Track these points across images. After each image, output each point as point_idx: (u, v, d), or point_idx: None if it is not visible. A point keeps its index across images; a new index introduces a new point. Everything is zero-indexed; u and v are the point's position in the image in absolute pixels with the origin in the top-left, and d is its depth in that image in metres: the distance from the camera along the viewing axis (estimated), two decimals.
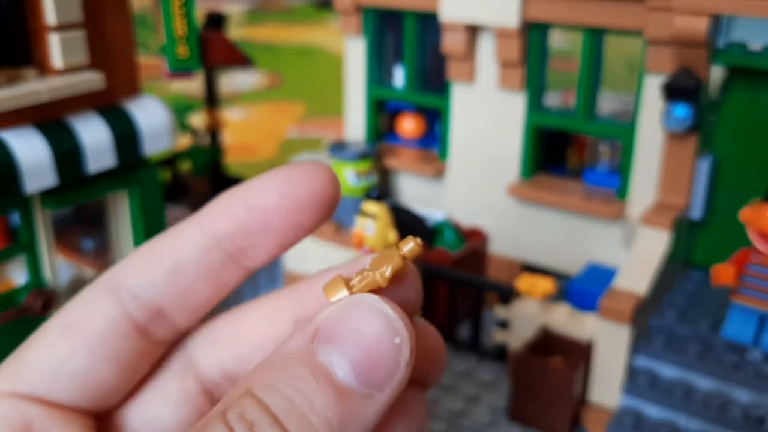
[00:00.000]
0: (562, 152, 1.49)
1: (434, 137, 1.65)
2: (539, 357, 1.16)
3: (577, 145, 1.48)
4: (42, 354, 0.27)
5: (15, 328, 0.95)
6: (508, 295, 1.25)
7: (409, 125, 1.65)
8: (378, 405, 0.23)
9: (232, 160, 2.19)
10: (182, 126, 1.77)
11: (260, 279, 1.57)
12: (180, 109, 1.78)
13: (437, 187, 1.58)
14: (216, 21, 1.63)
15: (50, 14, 0.89)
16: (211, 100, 1.76)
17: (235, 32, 3.42)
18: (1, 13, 0.88)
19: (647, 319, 1.14)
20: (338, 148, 1.51)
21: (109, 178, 1.00)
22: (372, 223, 1.17)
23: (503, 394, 1.24)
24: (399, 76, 1.61)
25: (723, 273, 1.05)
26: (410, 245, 0.25)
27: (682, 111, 1.15)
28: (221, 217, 0.28)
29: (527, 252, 1.47)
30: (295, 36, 4.10)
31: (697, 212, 1.24)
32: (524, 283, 1.25)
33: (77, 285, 1.05)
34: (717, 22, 1.12)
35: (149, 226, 1.07)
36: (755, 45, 1.11)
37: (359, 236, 1.19)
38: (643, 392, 1.08)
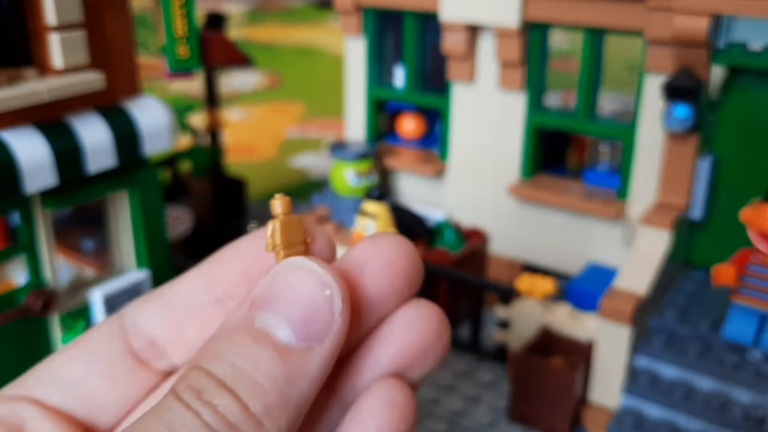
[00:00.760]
0: (562, 152, 1.49)
1: (434, 137, 1.65)
2: (539, 357, 1.16)
3: (577, 145, 1.48)
4: (47, 364, 0.30)
5: (15, 328, 0.95)
6: (508, 295, 1.25)
7: (409, 125, 1.65)
8: (320, 357, 0.24)
9: (232, 161, 2.19)
10: (182, 126, 1.77)
11: None
12: (180, 109, 1.78)
13: (437, 187, 1.58)
14: (216, 21, 1.63)
15: (50, 14, 0.88)
16: (211, 100, 1.76)
17: (235, 32, 3.42)
18: (1, 13, 0.88)
19: (647, 319, 1.14)
20: (338, 148, 1.51)
21: (109, 178, 1.00)
22: (372, 223, 1.17)
23: (503, 394, 1.24)
24: (399, 76, 1.61)
25: (723, 273, 1.05)
26: (276, 202, 0.27)
27: (682, 111, 1.15)
28: (225, 278, 0.29)
29: (527, 252, 1.47)
30: (295, 36, 4.10)
31: (697, 212, 1.24)
32: (524, 283, 1.25)
33: (77, 285, 1.05)
34: (717, 22, 1.12)
35: (149, 227, 1.07)
36: (755, 45, 1.11)
37: (359, 236, 1.19)
38: (643, 392, 1.08)
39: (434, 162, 1.56)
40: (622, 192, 1.33)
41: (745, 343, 1.07)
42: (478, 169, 1.50)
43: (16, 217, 0.93)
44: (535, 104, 1.40)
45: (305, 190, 2.08)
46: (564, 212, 1.40)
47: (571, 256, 1.41)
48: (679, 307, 1.16)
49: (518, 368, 1.16)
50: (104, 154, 0.96)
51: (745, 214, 1.02)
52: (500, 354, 1.30)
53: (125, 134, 0.99)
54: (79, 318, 1.01)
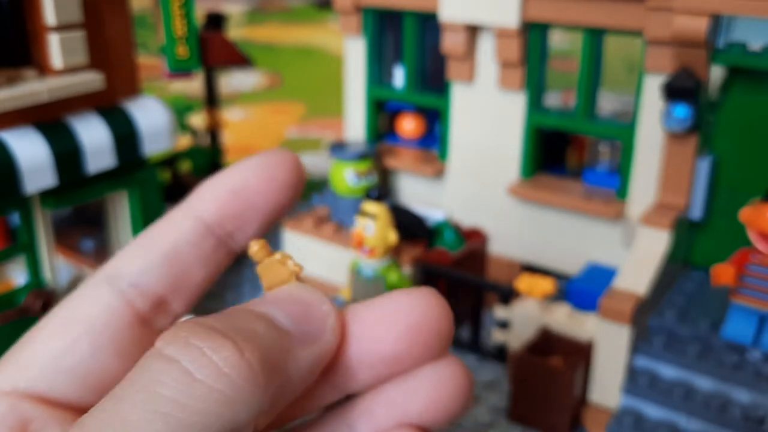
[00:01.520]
0: (562, 152, 1.49)
1: (434, 137, 1.65)
2: (539, 357, 1.16)
3: (577, 145, 1.48)
4: (42, 348, 0.27)
5: (15, 329, 0.95)
6: (508, 295, 1.25)
7: (409, 125, 1.65)
8: (311, 355, 0.25)
9: (232, 161, 2.18)
10: (182, 126, 1.77)
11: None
12: (180, 110, 1.78)
13: (437, 187, 1.58)
14: (216, 21, 1.63)
15: (50, 14, 0.89)
16: (211, 100, 1.76)
17: (235, 32, 3.42)
18: (1, 13, 0.88)
19: (647, 319, 1.14)
20: (338, 148, 1.51)
21: (108, 179, 1.00)
22: (372, 223, 1.17)
23: (503, 394, 1.24)
24: (399, 77, 1.61)
25: (723, 273, 1.05)
26: (253, 249, 0.28)
27: (682, 111, 1.15)
28: (209, 203, 0.29)
29: (527, 252, 1.47)
30: (295, 36, 4.10)
31: (697, 212, 1.24)
32: (524, 283, 1.25)
33: (77, 285, 1.05)
34: (717, 22, 1.12)
35: (149, 227, 1.07)
36: (755, 45, 1.11)
37: (359, 236, 1.19)
38: (643, 392, 1.08)
39: (434, 162, 1.56)
40: (621, 192, 1.33)
41: (744, 343, 1.07)
42: (478, 169, 1.50)
43: (15, 218, 0.93)
44: (535, 104, 1.40)
45: (305, 190, 2.08)
46: (564, 212, 1.40)
47: (571, 256, 1.41)
48: (678, 307, 1.16)
49: (518, 368, 1.16)
50: (104, 154, 0.96)
51: (745, 214, 1.02)
52: (500, 354, 1.30)
53: (125, 134, 0.99)
54: None
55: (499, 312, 1.26)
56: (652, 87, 1.23)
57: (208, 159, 1.78)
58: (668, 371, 1.09)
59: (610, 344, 1.12)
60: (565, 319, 1.20)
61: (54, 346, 0.27)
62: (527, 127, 1.41)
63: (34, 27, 0.90)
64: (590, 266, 1.37)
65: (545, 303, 1.24)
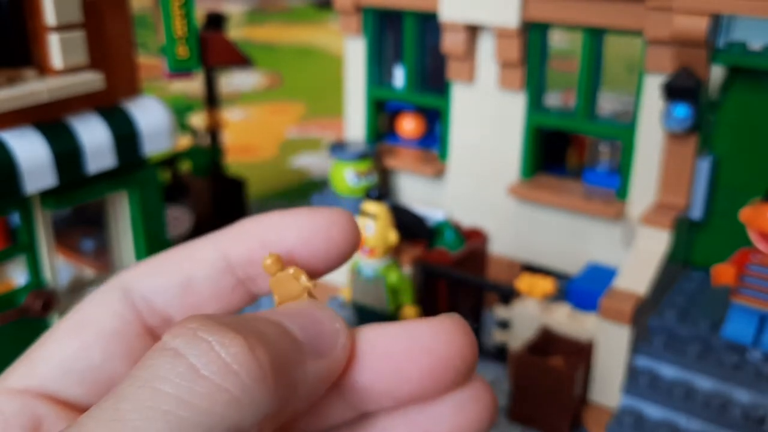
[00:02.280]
0: (562, 152, 1.49)
1: (434, 137, 1.65)
2: (539, 357, 1.16)
3: (577, 145, 1.48)
4: (55, 350, 0.27)
5: (15, 329, 0.95)
6: (508, 295, 1.25)
7: (409, 125, 1.65)
8: (320, 370, 0.24)
9: (232, 161, 2.19)
10: (182, 126, 1.77)
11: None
12: (180, 110, 1.78)
13: (437, 187, 1.58)
14: (216, 21, 1.63)
15: (50, 14, 0.89)
16: (211, 100, 1.76)
17: (235, 32, 3.42)
18: (1, 13, 0.88)
19: (647, 319, 1.14)
20: (338, 148, 1.51)
21: (108, 179, 1.00)
22: (372, 223, 1.17)
23: (503, 394, 1.24)
24: (399, 77, 1.61)
25: (723, 273, 1.05)
26: (267, 263, 0.27)
27: (682, 111, 1.15)
28: (237, 245, 0.28)
29: (527, 252, 1.47)
30: (295, 36, 4.10)
31: (697, 212, 1.24)
32: (524, 283, 1.25)
33: (77, 285, 1.05)
34: (717, 22, 1.12)
35: (149, 227, 1.07)
36: (755, 45, 1.11)
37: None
38: (643, 392, 1.08)
39: (434, 162, 1.56)
40: (621, 192, 1.33)
41: (744, 343, 1.07)
42: (478, 169, 1.50)
43: (16, 218, 0.93)
44: (535, 104, 1.40)
45: (305, 190, 2.08)
46: (564, 212, 1.40)
47: (571, 256, 1.41)
48: (679, 307, 1.16)
49: (518, 368, 1.16)
50: (104, 154, 0.96)
51: (745, 214, 1.02)
52: (500, 354, 1.30)
53: (125, 134, 0.99)
54: None
55: (500, 312, 1.26)
56: (652, 87, 1.23)
57: (208, 159, 1.78)
58: (668, 371, 1.09)
59: (610, 344, 1.12)
60: (565, 319, 1.20)
61: (66, 349, 0.27)
62: (527, 127, 1.41)
63: (34, 27, 0.90)
64: (590, 266, 1.37)
65: (545, 303, 1.24)
